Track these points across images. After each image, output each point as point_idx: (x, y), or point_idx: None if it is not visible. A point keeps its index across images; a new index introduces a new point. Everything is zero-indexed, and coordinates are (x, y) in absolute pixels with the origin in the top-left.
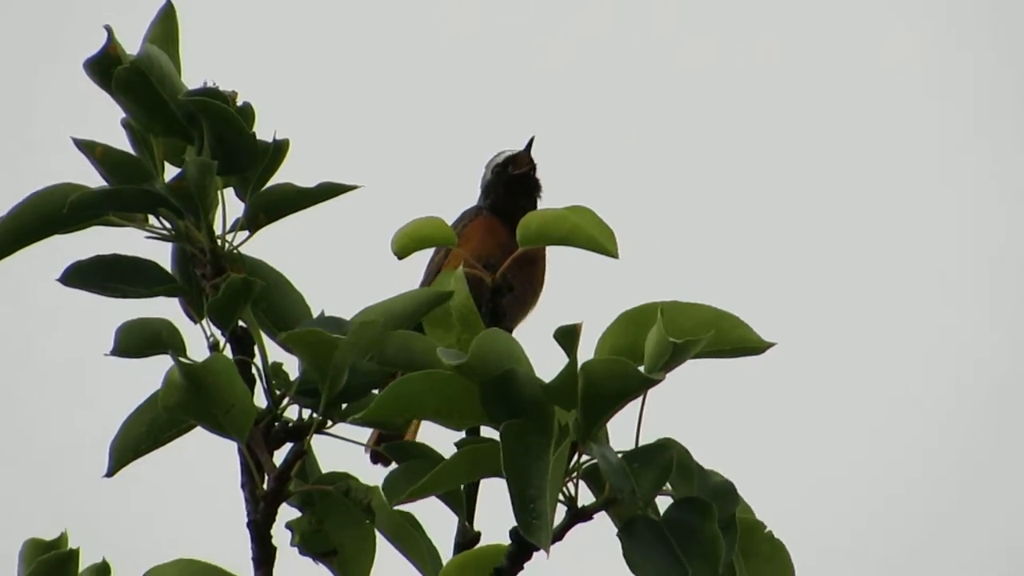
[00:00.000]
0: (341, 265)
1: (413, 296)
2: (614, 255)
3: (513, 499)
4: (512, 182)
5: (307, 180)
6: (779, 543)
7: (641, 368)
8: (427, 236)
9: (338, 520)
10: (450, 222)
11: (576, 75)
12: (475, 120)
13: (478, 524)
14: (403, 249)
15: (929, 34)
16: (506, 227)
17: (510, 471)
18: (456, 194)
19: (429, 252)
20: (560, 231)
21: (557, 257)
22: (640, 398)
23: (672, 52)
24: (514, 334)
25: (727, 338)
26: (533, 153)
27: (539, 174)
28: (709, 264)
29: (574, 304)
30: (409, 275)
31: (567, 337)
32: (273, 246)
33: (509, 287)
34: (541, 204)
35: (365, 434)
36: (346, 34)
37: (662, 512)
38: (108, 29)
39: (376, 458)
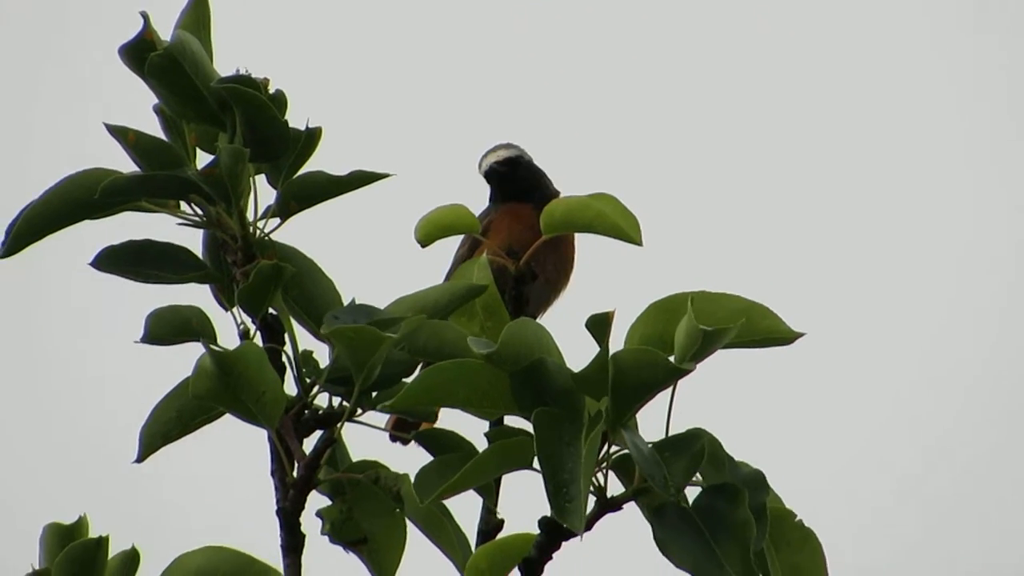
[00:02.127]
0: (372, 252)
1: (447, 288)
2: (638, 243)
3: (547, 483)
4: (490, 181)
5: (338, 167)
6: (809, 531)
7: (671, 358)
8: (450, 224)
9: (368, 508)
10: (476, 212)
11: (603, 63)
12: (504, 109)
13: (501, 511)
14: (427, 237)
15: (947, 31)
16: (526, 205)
17: (543, 456)
18: (468, 178)
19: (454, 239)
20: (584, 219)
21: (581, 244)
22: (670, 388)
23: (697, 37)
24: (541, 321)
25: (756, 328)
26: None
27: (501, 165)
28: (732, 251)
29: (598, 292)
30: (437, 262)
31: (598, 326)
32: (305, 233)
33: (532, 275)
34: (565, 189)
35: (386, 419)
36: (378, 21)
37: (691, 501)
38: (144, 15)
39: (395, 437)
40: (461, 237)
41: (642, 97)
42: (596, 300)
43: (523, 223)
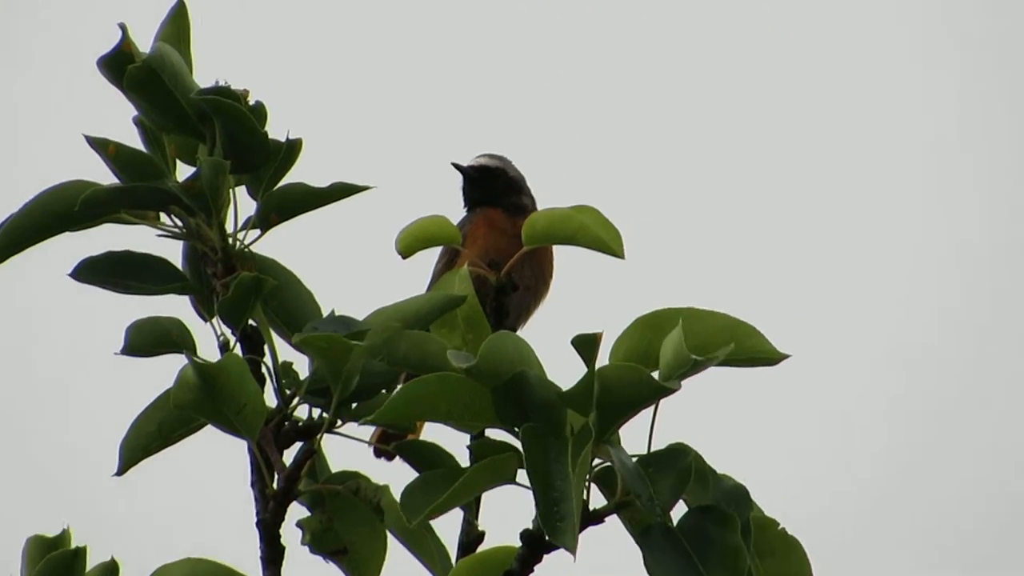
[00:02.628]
0: (352, 263)
1: (426, 300)
2: (620, 255)
3: (537, 502)
4: (464, 179)
5: (318, 179)
6: (793, 540)
7: (656, 374)
8: (431, 235)
9: (348, 519)
10: (452, 222)
11: (584, 74)
12: (485, 120)
13: (481, 523)
14: (407, 248)
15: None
16: (500, 212)
17: (533, 474)
18: (449, 191)
19: (434, 251)
20: (566, 231)
21: (562, 256)
22: (653, 405)
23: (684, 49)
24: (522, 332)
25: (742, 348)
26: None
27: (474, 170)
28: (713, 265)
29: (579, 304)
30: (418, 273)
31: (586, 346)
32: (284, 244)
33: (514, 286)
34: (545, 201)
35: (370, 431)
36: (356, 33)
37: (676, 520)
38: (123, 27)
39: (379, 453)
40: (440, 249)
41: (624, 109)
42: (577, 313)
43: (497, 228)
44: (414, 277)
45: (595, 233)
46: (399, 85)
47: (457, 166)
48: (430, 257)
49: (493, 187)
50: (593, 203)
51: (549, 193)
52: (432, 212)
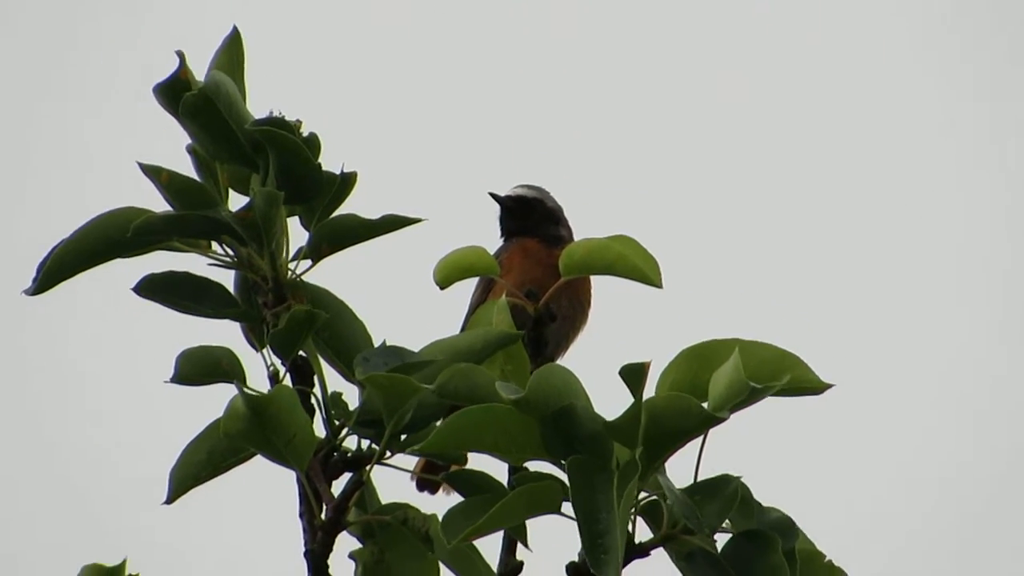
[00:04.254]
0: (400, 293)
1: (481, 335)
2: (658, 285)
3: (582, 534)
4: (500, 208)
5: (365, 208)
6: (840, 571)
7: (704, 405)
8: (469, 265)
9: (400, 551)
10: (491, 252)
11: (623, 105)
12: (527, 151)
13: (521, 553)
14: (445, 279)
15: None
16: (536, 241)
17: (578, 506)
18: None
19: (471, 281)
20: (604, 261)
21: (600, 287)
22: (700, 436)
23: (721, 81)
24: (564, 362)
25: (789, 378)
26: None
27: (509, 201)
28: (751, 293)
29: (618, 334)
30: (454, 302)
31: (633, 376)
32: (335, 273)
33: (551, 316)
34: (581, 231)
35: (415, 462)
36: (413, 65)
37: (720, 549)
38: (180, 55)
39: (422, 486)
40: (477, 279)
41: (661, 140)
42: (616, 342)
43: (533, 258)
44: (449, 303)
45: (633, 263)
46: (448, 117)
47: (495, 196)
48: (468, 285)
49: (530, 217)
50: (631, 233)
51: (587, 223)
52: (470, 243)
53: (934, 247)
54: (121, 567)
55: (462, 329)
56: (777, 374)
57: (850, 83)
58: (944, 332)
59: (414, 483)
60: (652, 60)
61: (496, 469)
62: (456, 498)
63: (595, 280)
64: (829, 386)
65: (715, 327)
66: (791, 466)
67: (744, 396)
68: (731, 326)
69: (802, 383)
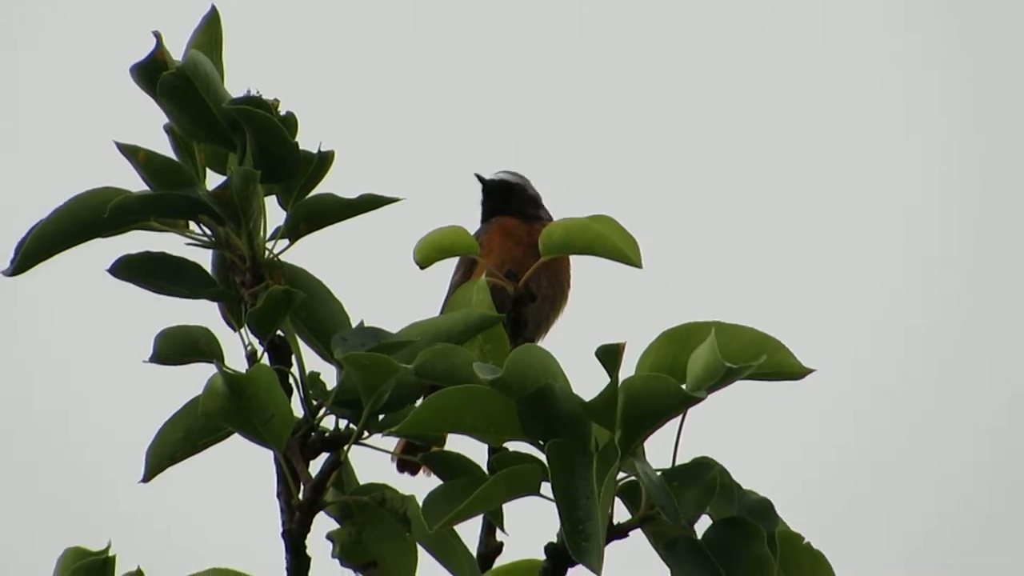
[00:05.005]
0: (378, 273)
1: (462, 317)
2: (637, 265)
3: (562, 520)
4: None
5: (344, 188)
6: (819, 553)
7: (683, 386)
8: (449, 245)
9: (377, 532)
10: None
11: (602, 84)
12: (506, 133)
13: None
14: (425, 259)
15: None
16: (517, 221)
17: (558, 491)
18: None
19: (451, 260)
20: (583, 240)
21: (579, 266)
22: (679, 416)
23: (702, 58)
24: (544, 345)
25: (768, 362)
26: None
27: (493, 183)
28: (731, 274)
29: (598, 314)
30: (433, 280)
31: (609, 356)
32: (313, 253)
33: (531, 296)
34: (561, 212)
35: (394, 443)
36: (389, 44)
37: (701, 533)
38: (157, 35)
39: (403, 467)
40: (457, 259)
41: (638, 119)
42: (596, 323)
43: (512, 237)
44: (429, 283)
45: (612, 242)
46: (427, 95)
47: (480, 177)
48: (448, 265)
49: (511, 202)
50: (610, 213)
51: (567, 206)
52: (450, 223)
53: (912, 233)
54: (105, 551)
55: (442, 310)
56: (758, 357)
57: (824, 69)
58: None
59: (395, 464)
60: (629, 46)
61: (474, 450)
62: (435, 479)
63: (575, 260)
64: (810, 371)
65: (696, 308)
66: (769, 448)
67: (720, 377)
68: (712, 308)
69: (782, 367)
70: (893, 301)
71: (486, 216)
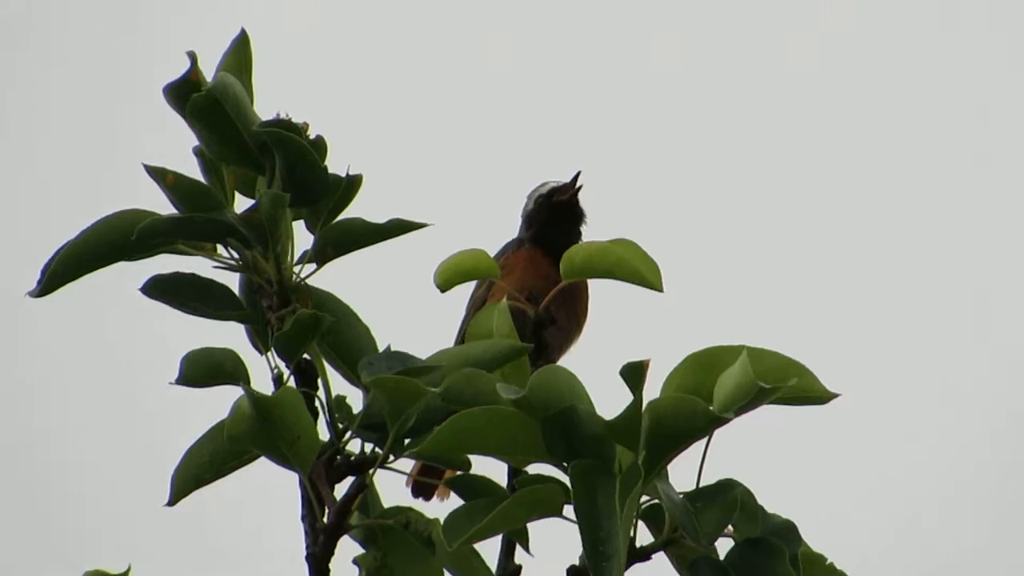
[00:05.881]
0: (407, 297)
1: (491, 345)
2: (659, 289)
3: (584, 540)
4: (556, 210)
5: (372, 212)
6: (842, 573)
7: (710, 407)
8: (470, 269)
9: (403, 556)
10: (491, 255)
11: (618, 108)
12: (520, 154)
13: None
14: (446, 282)
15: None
16: (548, 257)
17: (580, 512)
18: (504, 227)
19: (471, 284)
20: (605, 264)
21: (599, 289)
22: (704, 439)
23: (730, 88)
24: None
25: (794, 386)
26: (578, 184)
27: (583, 204)
28: (751, 298)
29: (616, 337)
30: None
31: (634, 374)
32: (340, 277)
33: (552, 319)
34: (586, 234)
35: (411, 466)
36: (420, 69)
37: (724, 555)
38: (192, 56)
39: (417, 491)
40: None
41: (658, 142)
42: (616, 346)
43: (538, 271)
44: (453, 307)
45: (634, 266)
46: (452, 120)
47: (567, 201)
48: (470, 288)
49: (576, 223)
50: (632, 236)
51: (591, 227)
52: (472, 246)
53: (941, 251)
54: (126, 573)
55: (461, 324)
56: (783, 381)
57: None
58: (950, 337)
59: (409, 488)
60: (656, 59)
61: (496, 473)
62: (455, 502)
63: (595, 284)
64: (834, 396)
65: (716, 331)
66: (791, 472)
67: (752, 396)
68: (732, 330)
69: (807, 392)
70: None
71: (539, 231)
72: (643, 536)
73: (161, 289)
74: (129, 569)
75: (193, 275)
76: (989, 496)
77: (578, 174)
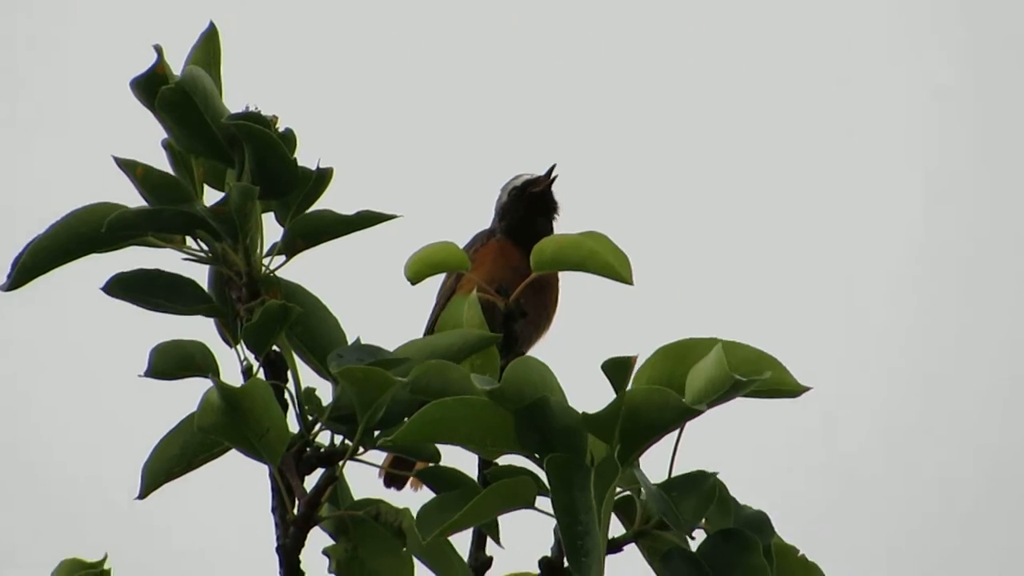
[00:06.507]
0: (376, 289)
1: (459, 336)
2: (629, 282)
3: (562, 535)
4: (530, 201)
5: (342, 204)
6: (813, 565)
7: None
8: (440, 261)
9: (373, 547)
10: (461, 246)
11: (591, 102)
12: (490, 147)
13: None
14: (416, 275)
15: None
16: (518, 250)
17: (558, 507)
18: (474, 220)
19: (440, 276)
20: (575, 257)
21: (569, 281)
22: (677, 430)
23: (698, 70)
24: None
25: (766, 380)
26: (553, 175)
27: (557, 196)
28: (721, 290)
29: (587, 331)
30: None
31: (618, 370)
32: (309, 269)
33: (522, 312)
34: (558, 228)
35: (383, 458)
36: (388, 61)
37: (694, 547)
38: (158, 49)
39: (390, 482)
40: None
41: (627, 133)
42: (585, 339)
43: (508, 263)
44: (423, 299)
45: (604, 259)
46: (424, 113)
47: (542, 192)
48: (440, 280)
49: (549, 212)
50: (602, 229)
51: (562, 220)
52: (443, 238)
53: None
54: (101, 563)
55: (431, 315)
56: (755, 374)
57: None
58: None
59: (381, 479)
60: (626, 52)
61: (466, 464)
62: (425, 493)
63: (566, 276)
64: (806, 389)
65: (686, 325)
66: (759, 463)
67: (725, 390)
68: (702, 324)
69: (779, 385)
70: (880, 311)
71: (512, 223)
72: (614, 527)
73: (124, 287)
74: (105, 558)
75: (157, 271)
76: (953, 478)
77: (553, 167)
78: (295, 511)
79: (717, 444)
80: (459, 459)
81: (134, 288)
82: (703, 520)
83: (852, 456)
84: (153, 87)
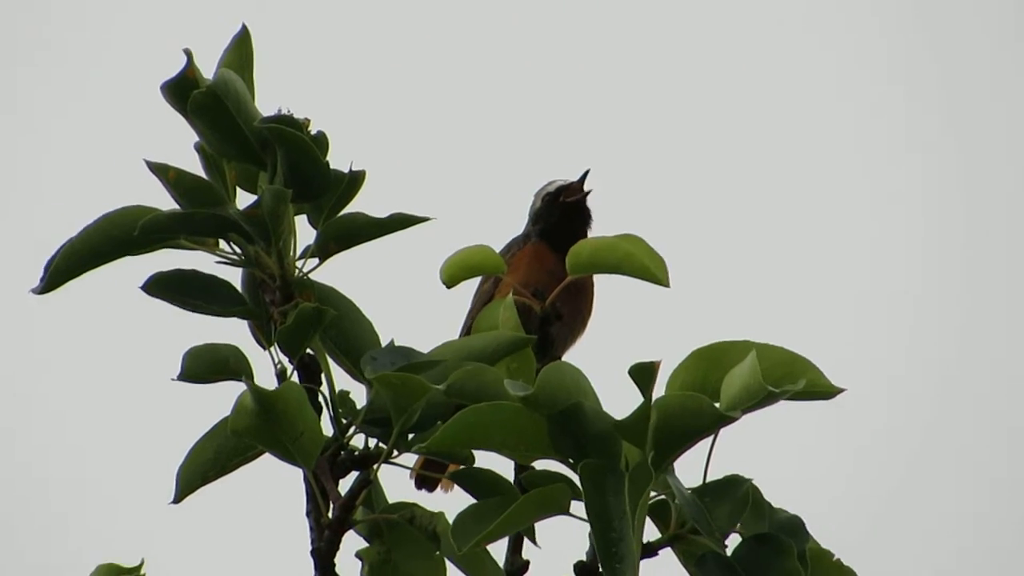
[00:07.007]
0: (410, 292)
1: (493, 338)
2: (665, 284)
3: (597, 540)
4: (564, 210)
5: (375, 207)
6: (849, 570)
7: (717, 405)
8: (476, 264)
9: (406, 550)
10: (497, 251)
11: (625, 105)
12: (523, 149)
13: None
14: (452, 278)
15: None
16: (554, 254)
17: (592, 513)
18: (508, 223)
19: (476, 280)
20: (612, 259)
21: (605, 284)
22: (711, 436)
23: (740, 84)
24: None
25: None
26: (586, 184)
27: (591, 203)
28: (758, 292)
29: (623, 333)
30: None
31: (643, 374)
32: (342, 272)
33: (558, 315)
34: (592, 233)
35: (414, 460)
36: (423, 64)
37: (731, 551)
38: (188, 53)
39: (421, 483)
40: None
41: (663, 138)
42: (620, 342)
43: (544, 266)
44: (457, 302)
45: (640, 262)
46: (454, 114)
47: (576, 202)
48: (475, 284)
49: (584, 222)
50: (638, 232)
51: (598, 223)
52: (477, 241)
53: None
54: (139, 568)
55: (466, 318)
56: (789, 377)
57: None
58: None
59: (413, 481)
60: (662, 52)
61: (500, 466)
62: (457, 494)
63: (601, 279)
64: (841, 391)
65: (722, 327)
66: (795, 466)
67: (759, 398)
68: (738, 326)
69: (814, 387)
70: (918, 314)
71: (546, 227)
72: (649, 531)
73: (162, 286)
74: (142, 563)
75: (194, 272)
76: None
77: (586, 173)
78: (329, 515)
79: (756, 444)
80: (492, 460)
81: (172, 288)
82: (738, 525)
83: (897, 461)
84: (184, 91)
